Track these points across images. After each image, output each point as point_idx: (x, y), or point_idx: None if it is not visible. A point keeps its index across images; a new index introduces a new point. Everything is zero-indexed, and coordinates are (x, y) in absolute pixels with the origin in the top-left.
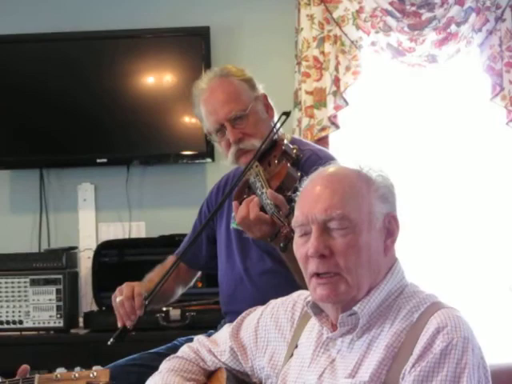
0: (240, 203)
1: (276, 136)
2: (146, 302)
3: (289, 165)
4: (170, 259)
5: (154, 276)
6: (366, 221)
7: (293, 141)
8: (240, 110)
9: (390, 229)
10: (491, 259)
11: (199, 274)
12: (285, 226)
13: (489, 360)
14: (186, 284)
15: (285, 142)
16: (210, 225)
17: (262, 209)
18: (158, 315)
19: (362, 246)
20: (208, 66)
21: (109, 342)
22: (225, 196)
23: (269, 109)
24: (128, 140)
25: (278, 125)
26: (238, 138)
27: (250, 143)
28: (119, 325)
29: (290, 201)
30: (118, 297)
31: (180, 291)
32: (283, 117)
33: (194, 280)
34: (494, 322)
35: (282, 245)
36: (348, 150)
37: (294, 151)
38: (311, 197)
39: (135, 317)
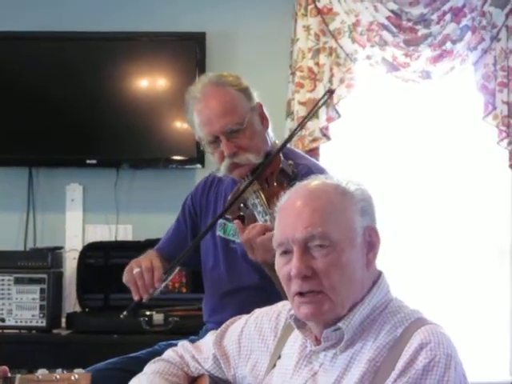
0: (234, 219)
1: (270, 147)
2: (165, 277)
3: (289, 187)
4: (151, 253)
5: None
6: (347, 237)
7: (286, 152)
8: (236, 124)
9: (371, 242)
10: (477, 276)
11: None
12: None
13: (472, 377)
14: (167, 278)
15: (281, 159)
16: (196, 224)
17: None
18: (142, 319)
19: (344, 263)
20: (202, 71)
21: (122, 316)
22: (220, 214)
23: (264, 119)
24: (118, 142)
25: (321, 102)
26: (233, 152)
27: (245, 157)
28: (135, 298)
29: None
30: (136, 268)
31: (163, 285)
32: (327, 94)
33: (172, 276)
34: (480, 337)
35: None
36: (338, 161)
37: (291, 168)
38: (291, 215)
39: (153, 290)
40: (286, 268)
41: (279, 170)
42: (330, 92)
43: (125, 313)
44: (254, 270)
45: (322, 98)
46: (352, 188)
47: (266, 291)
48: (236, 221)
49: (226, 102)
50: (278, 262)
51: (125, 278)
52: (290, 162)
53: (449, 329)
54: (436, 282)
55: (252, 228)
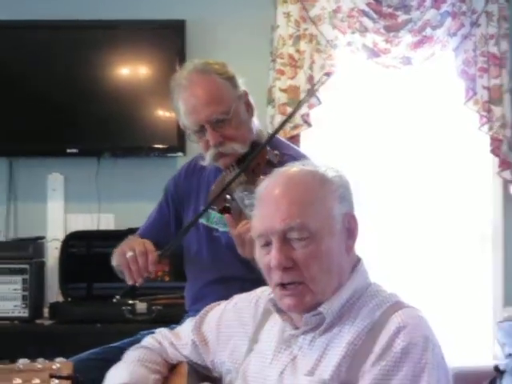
0: (220, 211)
1: (255, 136)
2: (159, 260)
3: None
4: (133, 238)
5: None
6: (326, 226)
7: (272, 142)
8: (222, 113)
9: (350, 228)
10: (459, 262)
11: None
12: None
13: (455, 362)
14: None
15: (268, 149)
16: (179, 210)
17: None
18: (124, 308)
19: (324, 253)
20: (182, 59)
21: (114, 300)
22: (208, 205)
23: (249, 107)
24: (99, 131)
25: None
26: (219, 142)
27: (231, 147)
28: (130, 282)
29: None
30: (129, 252)
31: None
32: (324, 77)
33: None
34: (461, 323)
35: None
36: (319, 148)
37: (277, 158)
38: (269, 205)
39: (148, 274)
40: (266, 259)
41: (266, 161)
42: (328, 75)
43: (118, 296)
44: (239, 261)
45: (320, 80)
46: (330, 175)
47: (250, 282)
48: (227, 215)
49: (211, 90)
50: (259, 252)
51: (116, 262)
52: (276, 152)
53: (432, 315)
54: (419, 268)
55: (244, 224)
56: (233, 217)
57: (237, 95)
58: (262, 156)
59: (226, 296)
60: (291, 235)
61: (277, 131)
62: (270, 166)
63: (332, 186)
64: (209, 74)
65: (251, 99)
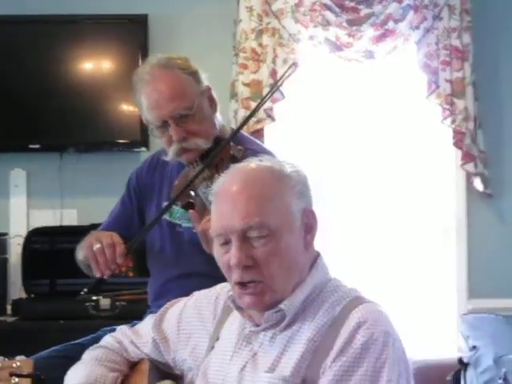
0: (184, 206)
1: (219, 131)
2: (126, 252)
3: None
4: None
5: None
6: (285, 223)
7: (236, 137)
8: (185, 109)
9: (309, 224)
10: (423, 256)
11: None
12: None
13: (419, 355)
14: None
15: (231, 144)
16: (142, 205)
17: None
18: (88, 304)
19: (284, 251)
20: (145, 54)
21: (82, 292)
22: (172, 201)
23: (212, 103)
24: (62, 126)
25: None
26: (182, 137)
27: (194, 142)
28: (97, 275)
29: None
30: (96, 245)
31: None
32: (292, 67)
33: None
34: (425, 316)
35: None
36: (282, 142)
37: (240, 153)
38: (227, 202)
39: (115, 266)
40: (225, 257)
41: (229, 156)
42: (295, 65)
43: (85, 290)
44: (202, 256)
45: (287, 71)
46: (288, 170)
47: (214, 278)
48: (191, 211)
49: (174, 85)
50: (218, 250)
51: (83, 255)
52: (240, 147)
53: (396, 308)
54: (383, 262)
55: (208, 219)
56: (197, 212)
57: (200, 90)
58: (225, 151)
59: (189, 291)
60: (251, 234)
61: (241, 126)
62: (234, 161)
63: (290, 182)
64: (172, 69)
65: (214, 94)
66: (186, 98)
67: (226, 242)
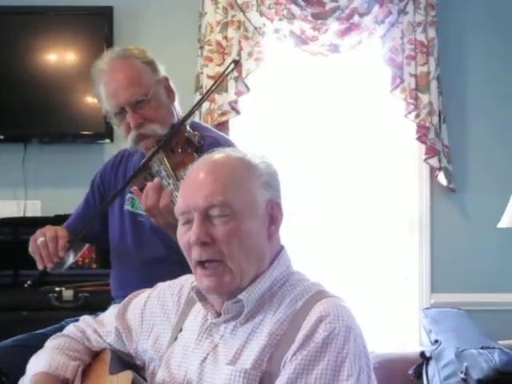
0: (141, 190)
1: (176, 120)
2: (69, 246)
3: (194, 154)
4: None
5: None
6: (248, 208)
7: (193, 125)
8: (141, 95)
9: (273, 215)
10: (387, 250)
11: (87, 250)
12: None
13: (381, 348)
14: (76, 254)
15: (187, 129)
16: (104, 199)
17: None
18: (51, 295)
19: (244, 232)
20: (110, 46)
21: (26, 285)
22: (126, 183)
23: (170, 92)
24: (26, 117)
25: (227, 71)
26: (139, 123)
27: (151, 128)
28: (40, 267)
29: None
30: (40, 238)
31: (71, 260)
32: (232, 65)
33: (81, 252)
34: (389, 310)
35: None
36: (248, 136)
37: (197, 138)
38: (193, 184)
39: (58, 259)
40: (186, 236)
41: (185, 139)
42: (235, 62)
43: (29, 282)
44: (161, 242)
45: (228, 67)
46: (256, 161)
47: (173, 263)
48: (134, 187)
49: (131, 73)
50: (179, 231)
51: (30, 248)
52: (196, 133)
53: (358, 301)
54: (346, 255)
55: (152, 193)
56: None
57: (156, 79)
58: (180, 135)
59: (151, 278)
60: (213, 212)
61: (192, 111)
62: (189, 143)
63: (257, 172)
64: (128, 59)
65: (172, 85)
66: (142, 85)
67: (188, 221)
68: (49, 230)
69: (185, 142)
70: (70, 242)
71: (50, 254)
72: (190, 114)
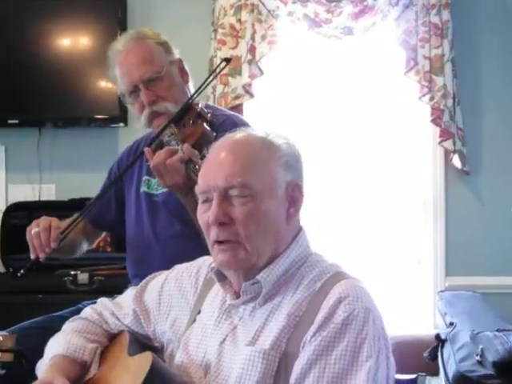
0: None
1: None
2: (62, 236)
3: (204, 124)
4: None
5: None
6: (267, 188)
7: (206, 106)
8: (154, 72)
9: (294, 197)
10: (401, 233)
11: (103, 235)
12: None
13: (396, 331)
14: (90, 242)
15: (199, 106)
16: (120, 187)
17: None
18: (66, 279)
19: (262, 214)
20: (124, 30)
21: (19, 274)
22: (137, 156)
23: (184, 74)
24: (41, 101)
25: (218, 70)
26: (152, 101)
27: (164, 106)
28: (32, 256)
29: None
30: (34, 228)
31: (85, 248)
32: (223, 63)
33: (97, 240)
34: (403, 293)
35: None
36: (262, 119)
37: (209, 115)
38: (214, 164)
39: (49, 249)
40: (205, 215)
41: (196, 113)
42: (227, 60)
43: (22, 271)
44: (176, 220)
45: (218, 65)
46: (279, 141)
47: (188, 239)
48: (146, 148)
49: (144, 53)
50: (200, 209)
51: (27, 237)
52: (209, 111)
53: (373, 283)
54: (361, 238)
55: (162, 152)
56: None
57: (169, 60)
58: (192, 111)
59: (167, 256)
60: (232, 192)
61: (191, 97)
62: (201, 117)
63: (278, 152)
64: (142, 40)
65: (186, 67)
66: (154, 63)
67: (208, 200)
68: (43, 220)
69: (197, 116)
70: (63, 232)
71: (42, 245)
72: (197, 92)
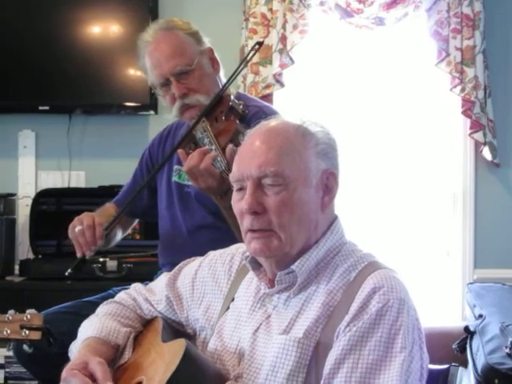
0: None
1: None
2: (105, 233)
3: (237, 121)
4: (108, 206)
5: (99, 215)
6: (301, 177)
7: (238, 96)
8: (185, 65)
9: (329, 185)
10: (430, 225)
11: (136, 223)
12: None
13: (424, 323)
14: (124, 230)
15: (231, 98)
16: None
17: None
18: (95, 266)
19: (295, 203)
20: (155, 18)
21: (66, 273)
22: (171, 151)
23: (214, 63)
24: (71, 88)
25: (251, 54)
26: (183, 93)
27: (195, 98)
28: (78, 255)
29: None
30: (78, 226)
31: (120, 236)
32: (256, 46)
33: (130, 228)
34: (432, 285)
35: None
36: (292, 108)
37: (241, 107)
38: (248, 152)
39: (95, 247)
40: (239, 204)
41: (229, 107)
42: (259, 44)
43: (69, 270)
44: (207, 211)
45: (252, 49)
46: (314, 129)
47: (219, 230)
48: (179, 150)
49: (175, 44)
50: (234, 197)
51: (69, 235)
52: (241, 102)
53: (403, 275)
54: (391, 230)
55: (195, 155)
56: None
57: (200, 50)
58: (224, 104)
59: (198, 246)
60: (266, 181)
61: (229, 82)
62: (233, 111)
63: (313, 140)
64: (172, 30)
65: (217, 56)
66: (185, 55)
67: (242, 188)
68: (86, 217)
69: (229, 110)
70: (107, 228)
71: (87, 243)
72: (228, 82)
